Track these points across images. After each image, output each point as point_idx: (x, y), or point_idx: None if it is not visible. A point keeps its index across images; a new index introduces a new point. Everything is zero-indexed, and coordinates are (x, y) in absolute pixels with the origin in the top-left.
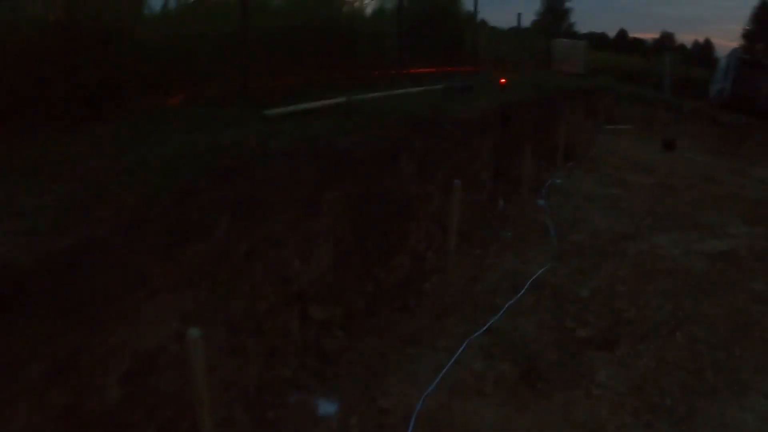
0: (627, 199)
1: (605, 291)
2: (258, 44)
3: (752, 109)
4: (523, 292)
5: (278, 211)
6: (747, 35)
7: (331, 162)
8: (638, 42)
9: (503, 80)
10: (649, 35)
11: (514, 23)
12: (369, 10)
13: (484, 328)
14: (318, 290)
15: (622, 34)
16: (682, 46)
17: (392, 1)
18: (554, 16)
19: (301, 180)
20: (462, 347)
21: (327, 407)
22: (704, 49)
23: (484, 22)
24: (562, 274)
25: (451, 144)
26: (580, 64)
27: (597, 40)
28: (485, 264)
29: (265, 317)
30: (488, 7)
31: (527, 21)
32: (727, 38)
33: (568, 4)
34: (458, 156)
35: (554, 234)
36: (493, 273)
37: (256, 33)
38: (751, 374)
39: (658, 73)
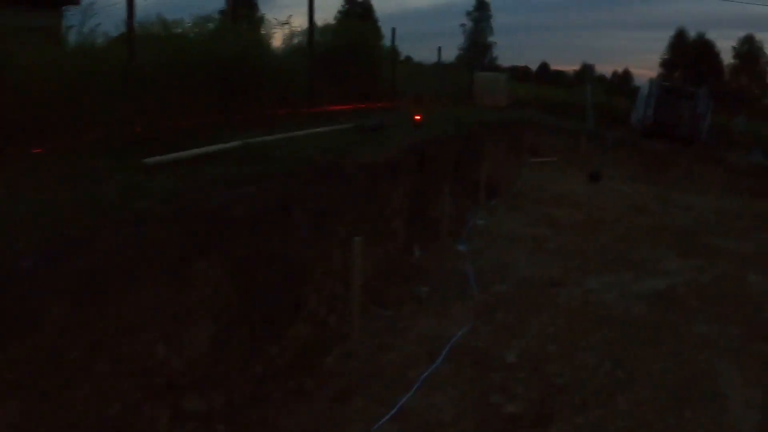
0: (554, 239)
1: (535, 353)
2: (148, 84)
3: (674, 135)
4: (439, 361)
5: (135, 289)
6: (665, 63)
7: (205, 222)
8: (560, 74)
9: (418, 117)
10: (571, 67)
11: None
12: (278, 44)
13: (393, 411)
14: (194, 378)
15: (544, 66)
16: (602, 77)
17: (304, 36)
18: (477, 50)
19: (166, 247)
20: None
21: None
22: (623, 79)
23: (408, 58)
24: (485, 335)
25: (357, 191)
26: (503, 96)
27: (520, 73)
28: (397, 327)
29: (123, 418)
30: (413, 42)
31: (451, 56)
32: (645, 67)
33: (490, 38)
34: (365, 204)
35: (476, 286)
36: (406, 338)
37: (146, 71)
38: None
39: (580, 104)
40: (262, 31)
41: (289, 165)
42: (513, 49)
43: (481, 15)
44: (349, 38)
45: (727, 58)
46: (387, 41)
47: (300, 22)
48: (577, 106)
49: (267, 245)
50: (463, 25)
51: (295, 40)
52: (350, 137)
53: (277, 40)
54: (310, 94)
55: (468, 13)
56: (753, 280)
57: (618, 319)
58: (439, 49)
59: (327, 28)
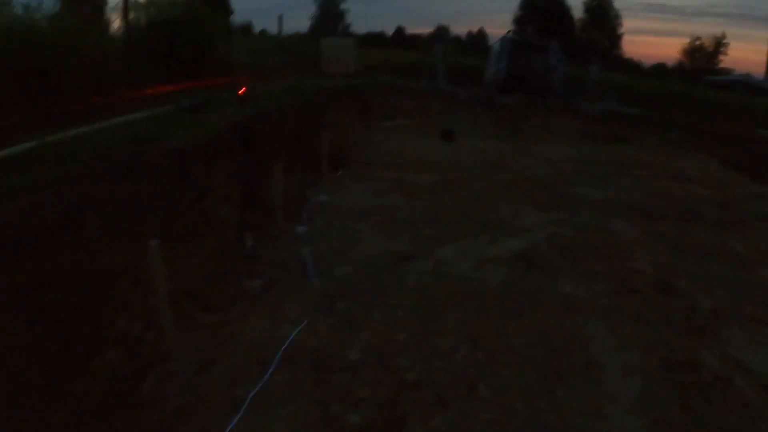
0: (405, 207)
1: (381, 345)
2: None
3: (528, 88)
4: (271, 371)
5: None
6: (517, 21)
7: None
8: (416, 37)
9: (242, 90)
10: (426, 30)
11: (293, 28)
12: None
13: None
14: None
15: (399, 30)
16: (457, 37)
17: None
18: (329, 18)
19: None
20: None
21: None
22: (478, 38)
23: (263, 31)
24: (324, 331)
25: (168, 183)
26: (351, 63)
27: (375, 39)
28: (225, 334)
29: None
30: (266, 15)
31: (304, 26)
32: (499, 26)
33: (342, 6)
34: (181, 196)
35: (314, 272)
36: (235, 346)
37: None
38: (584, 422)
39: (432, 65)
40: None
41: (86, 163)
42: (368, 15)
43: None
44: (178, 13)
45: (578, 12)
46: (240, 15)
47: None
48: (429, 68)
49: (56, 263)
50: None
51: (115, 19)
52: (167, 121)
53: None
54: (129, 78)
55: None
56: (616, 228)
57: (475, 291)
58: (280, 17)
59: (153, 2)
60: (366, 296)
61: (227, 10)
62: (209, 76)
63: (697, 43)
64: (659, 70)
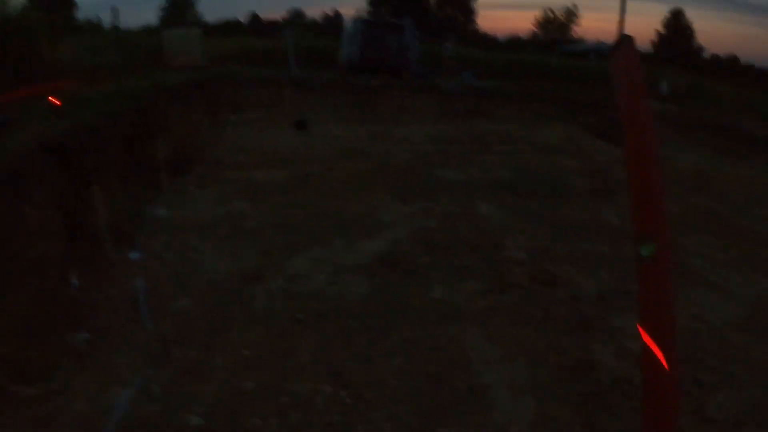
0: (252, 213)
1: (227, 400)
2: None
3: (383, 68)
4: None
5: None
6: (372, 1)
7: None
8: (271, 23)
9: (55, 100)
10: (282, 15)
11: (144, 20)
12: None
13: None
14: None
15: (255, 17)
16: (313, 21)
17: None
18: (178, 8)
19: None
20: None
21: None
22: (334, 20)
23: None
24: (160, 389)
25: None
26: (198, 54)
27: (230, 27)
28: (46, 411)
29: None
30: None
31: (155, 17)
32: (355, 8)
33: None
34: None
35: (147, 312)
36: (59, 427)
37: None
38: None
39: (284, 51)
40: None
41: None
42: (222, 2)
43: None
44: None
45: None
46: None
47: None
48: (282, 54)
49: None
50: None
51: None
52: None
53: None
54: None
55: None
56: (484, 212)
57: (333, 310)
58: (116, 10)
59: None
60: (207, 335)
61: (69, 5)
62: (34, 83)
63: (550, 14)
64: (514, 42)
